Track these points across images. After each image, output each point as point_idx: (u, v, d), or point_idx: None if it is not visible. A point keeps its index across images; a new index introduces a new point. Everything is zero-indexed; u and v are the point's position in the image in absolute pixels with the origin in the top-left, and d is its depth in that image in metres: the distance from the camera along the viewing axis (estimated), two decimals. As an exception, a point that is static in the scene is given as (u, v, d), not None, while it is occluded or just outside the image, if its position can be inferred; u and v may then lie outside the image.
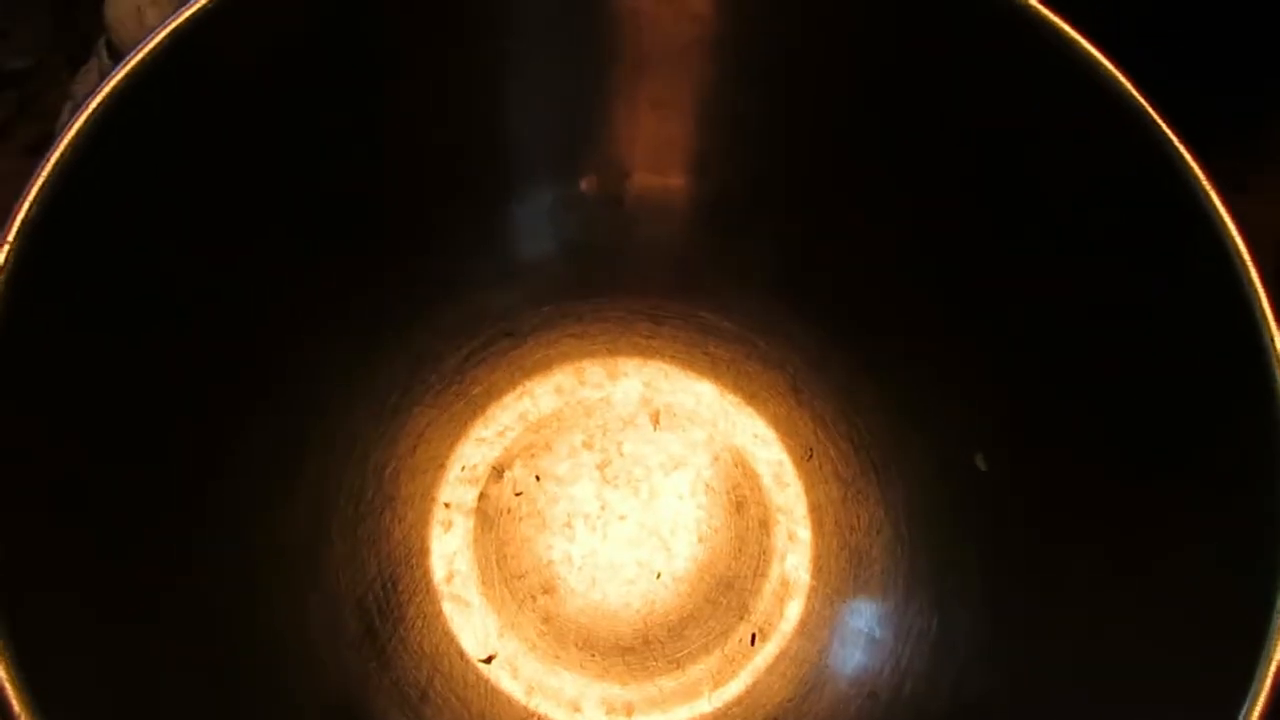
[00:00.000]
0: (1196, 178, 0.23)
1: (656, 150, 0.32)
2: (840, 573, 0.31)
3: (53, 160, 0.22)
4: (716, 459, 0.33)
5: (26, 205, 0.22)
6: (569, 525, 0.32)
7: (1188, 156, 0.24)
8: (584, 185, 0.32)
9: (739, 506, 0.33)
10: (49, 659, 0.20)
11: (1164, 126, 0.24)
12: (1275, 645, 0.20)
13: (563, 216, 0.33)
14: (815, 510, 0.33)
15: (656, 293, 0.35)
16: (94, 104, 0.23)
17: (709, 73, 0.29)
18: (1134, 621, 0.24)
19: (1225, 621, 0.22)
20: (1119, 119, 0.24)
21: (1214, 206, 0.23)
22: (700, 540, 0.32)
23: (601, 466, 0.33)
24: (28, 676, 0.19)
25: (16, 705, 0.19)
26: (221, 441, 0.29)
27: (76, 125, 0.23)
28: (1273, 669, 0.20)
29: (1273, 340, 0.23)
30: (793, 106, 0.29)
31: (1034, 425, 0.29)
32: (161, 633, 0.25)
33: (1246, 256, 0.23)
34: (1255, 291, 0.23)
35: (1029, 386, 0.29)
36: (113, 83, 0.23)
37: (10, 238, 0.22)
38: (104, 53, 0.35)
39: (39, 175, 0.22)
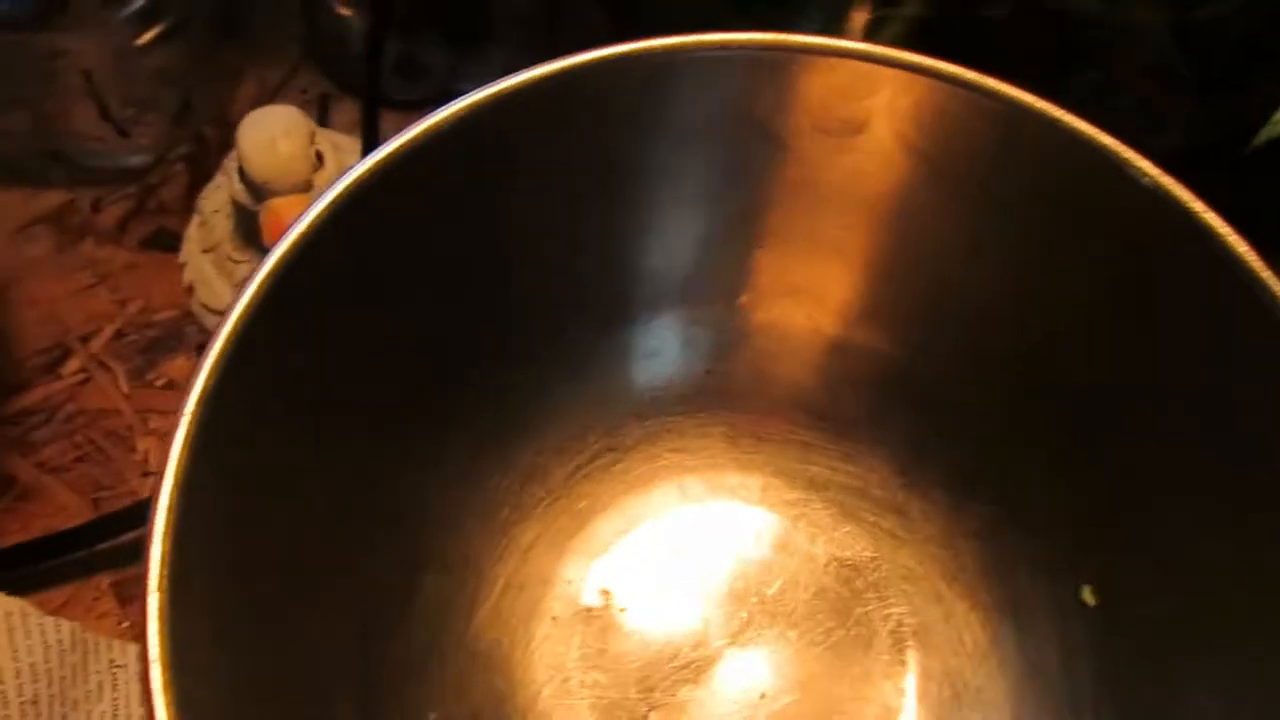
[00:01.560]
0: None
1: (779, 280, 0.33)
2: (944, 700, 0.32)
3: (212, 355, 0.24)
4: (817, 578, 0.34)
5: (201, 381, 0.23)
6: (673, 641, 0.33)
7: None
8: (702, 309, 0.33)
9: (840, 625, 0.33)
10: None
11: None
12: None
13: (675, 338, 0.34)
14: (917, 633, 0.33)
15: (758, 411, 0.35)
16: (242, 304, 0.24)
17: (894, 223, 0.30)
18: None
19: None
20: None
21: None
22: (802, 661, 0.33)
23: (703, 582, 0.34)
24: None
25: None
26: (347, 561, 0.30)
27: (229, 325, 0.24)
28: None
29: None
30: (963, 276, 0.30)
31: (1142, 566, 0.29)
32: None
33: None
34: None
35: (1139, 534, 0.29)
36: (261, 277, 0.24)
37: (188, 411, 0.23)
38: (235, 176, 0.36)
39: (206, 359, 0.24)
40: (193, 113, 0.49)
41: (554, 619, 0.33)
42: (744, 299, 0.34)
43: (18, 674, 0.38)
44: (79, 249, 0.49)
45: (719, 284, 0.33)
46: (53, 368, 0.47)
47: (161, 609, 0.22)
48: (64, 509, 0.43)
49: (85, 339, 0.47)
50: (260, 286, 0.24)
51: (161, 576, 0.22)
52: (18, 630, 0.39)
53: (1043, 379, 0.30)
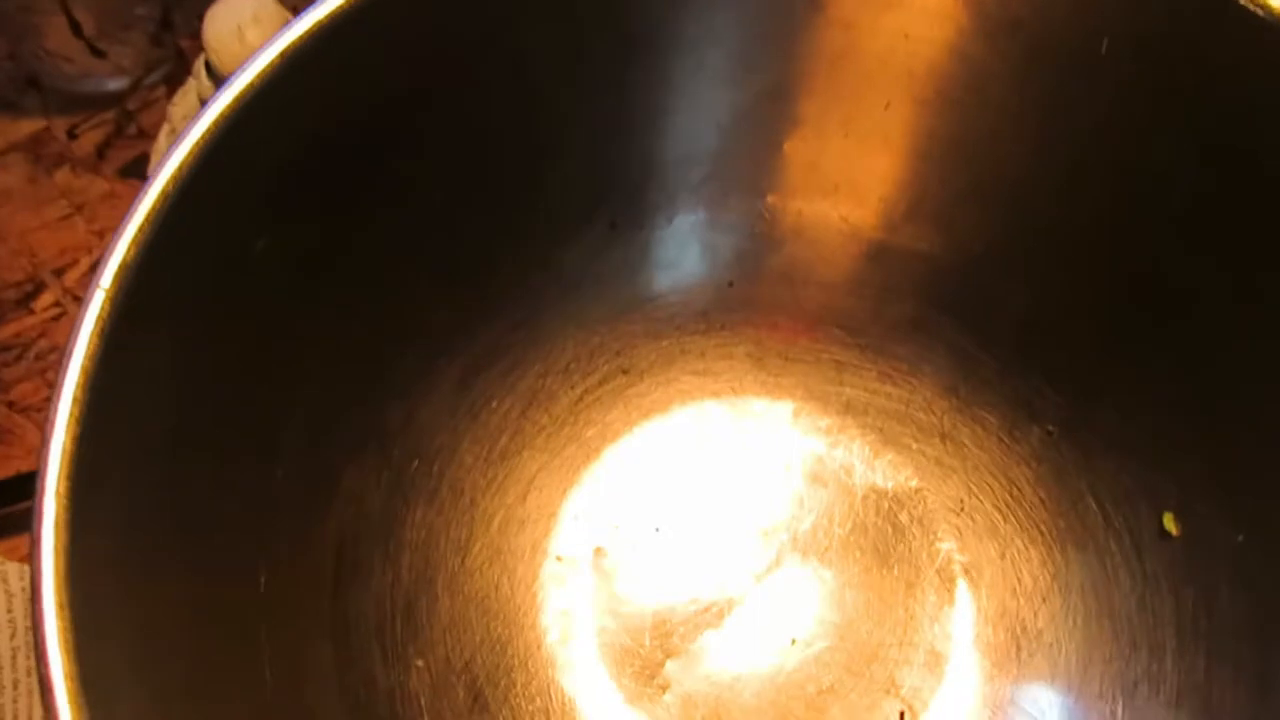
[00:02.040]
0: None
1: (811, 175, 0.29)
2: (1000, 645, 0.28)
3: (150, 196, 0.20)
4: (855, 511, 0.30)
5: (123, 246, 0.20)
6: (692, 582, 0.29)
7: None
8: (726, 211, 0.29)
9: (881, 564, 0.30)
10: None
11: None
12: None
13: (695, 244, 0.30)
14: (969, 571, 0.29)
15: (787, 328, 0.32)
16: (193, 137, 0.21)
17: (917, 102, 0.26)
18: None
19: None
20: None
21: None
22: (838, 602, 0.29)
23: (726, 517, 0.30)
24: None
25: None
26: (319, 491, 0.26)
27: (175, 160, 0.21)
28: None
29: None
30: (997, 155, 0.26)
31: (1232, 485, 0.25)
32: (256, 696, 0.23)
33: None
34: None
35: (1229, 445, 0.25)
36: (212, 117, 0.21)
37: (106, 284, 0.20)
38: (203, 74, 0.33)
39: (134, 214, 0.20)
40: (172, 30, 0.46)
41: (559, 558, 0.30)
42: (771, 198, 0.30)
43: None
44: (54, 178, 0.46)
45: (744, 180, 0.29)
46: (25, 302, 0.44)
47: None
48: (35, 450, 0.40)
49: (59, 272, 0.44)
50: (206, 137, 0.20)
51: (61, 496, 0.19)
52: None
53: (1115, 272, 0.26)
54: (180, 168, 0.21)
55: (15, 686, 0.36)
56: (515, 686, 0.28)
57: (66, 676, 0.18)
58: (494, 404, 0.30)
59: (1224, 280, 0.24)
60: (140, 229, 0.20)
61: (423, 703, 0.27)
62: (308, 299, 0.25)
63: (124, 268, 0.20)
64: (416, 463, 0.29)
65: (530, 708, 0.28)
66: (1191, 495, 0.26)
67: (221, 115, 0.21)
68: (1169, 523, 0.26)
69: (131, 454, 0.21)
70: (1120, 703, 0.25)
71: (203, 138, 0.21)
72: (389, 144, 0.24)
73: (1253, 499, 0.25)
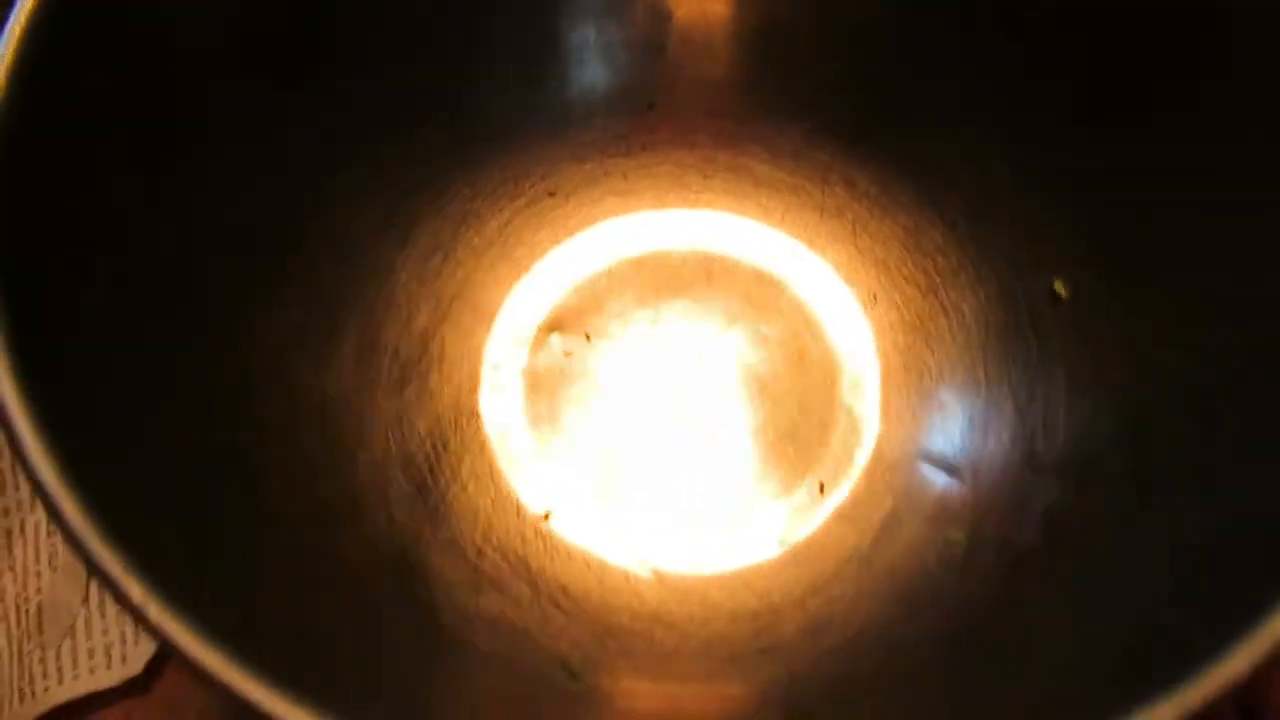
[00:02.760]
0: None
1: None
2: (912, 418, 0.30)
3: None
4: (775, 310, 0.32)
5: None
6: (623, 384, 0.31)
7: None
8: (628, 26, 0.31)
9: (801, 357, 0.31)
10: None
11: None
12: None
13: (605, 60, 0.31)
14: (883, 356, 0.31)
15: (705, 145, 0.33)
16: None
17: None
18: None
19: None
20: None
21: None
22: (762, 393, 0.31)
23: (655, 324, 0.32)
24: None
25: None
26: (256, 301, 0.28)
27: None
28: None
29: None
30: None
31: (1112, 254, 0.27)
32: (205, 477, 0.24)
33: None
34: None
35: (1110, 211, 0.27)
36: None
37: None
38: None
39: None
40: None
41: (495, 367, 0.31)
42: (680, 12, 0.31)
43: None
44: None
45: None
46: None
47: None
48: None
49: None
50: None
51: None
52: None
53: (1014, 46, 0.27)
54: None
55: None
56: (458, 479, 0.29)
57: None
58: (425, 226, 0.31)
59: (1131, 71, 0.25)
60: None
61: (367, 492, 0.28)
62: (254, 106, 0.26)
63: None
64: (350, 281, 0.30)
65: (470, 497, 0.29)
66: (1076, 265, 0.28)
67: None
68: (1059, 288, 0.28)
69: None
70: (1018, 450, 0.27)
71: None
72: None
73: (1124, 266, 0.27)
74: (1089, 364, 0.27)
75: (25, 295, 0.21)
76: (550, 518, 0.29)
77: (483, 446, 0.30)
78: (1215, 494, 0.22)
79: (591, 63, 0.32)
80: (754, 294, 0.32)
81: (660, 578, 0.28)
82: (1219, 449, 0.22)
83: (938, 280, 0.31)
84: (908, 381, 0.30)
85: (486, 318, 0.32)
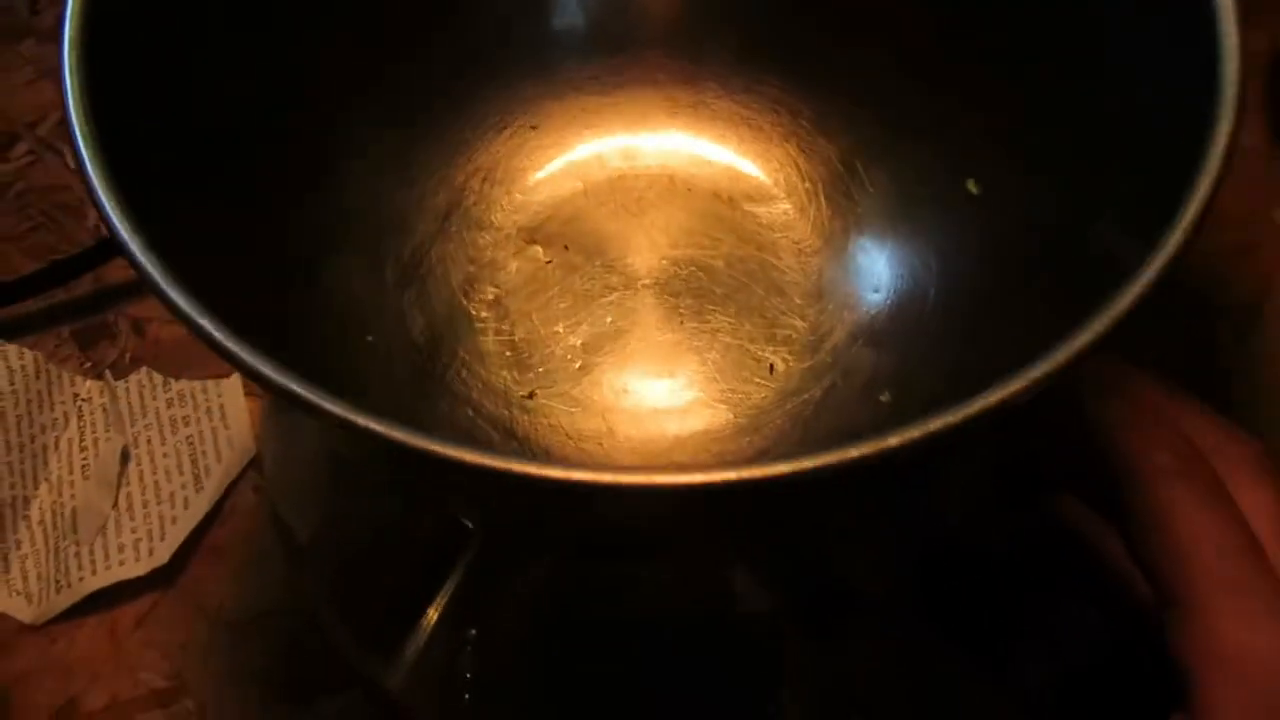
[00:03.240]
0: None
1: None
2: (849, 309, 0.34)
3: None
4: (729, 221, 0.36)
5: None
6: (595, 287, 0.35)
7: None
8: None
9: (751, 260, 0.36)
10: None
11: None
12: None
13: (581, 10, 0.36)
14: (821, 255, 0.35)
15: (667, 84, 0.38)
16: None
17: None
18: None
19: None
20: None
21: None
22: (721, 292, 0.35)
23: (624, 235, 0.36)
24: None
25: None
26: (290, 206, 0.32)
27: None
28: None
29: None
30: None
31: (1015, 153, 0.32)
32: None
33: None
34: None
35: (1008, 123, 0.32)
36: None
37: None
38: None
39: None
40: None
41: (484, 265, 0.36)
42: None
43: (-16, 391, 0.40)
44: (19, 49, 0.51)
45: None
46: (1, 152, 0.48)
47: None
48: (19, 272, 0.45)
49: (32, 125, 0.49)
50: None
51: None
52: (-19, 353, 0.41)
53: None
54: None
55: (21, 449, 0.41)
56: (452, 367, 0.34)
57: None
58: (423, 150, 0.36)
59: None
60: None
61: (370, 374, 0.32)
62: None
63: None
64: (361, 194, 0.34)
65: (460, 384, 0.33)
66: (989, 163, 0.32)
67: None
68: (971, 186, 0.33)
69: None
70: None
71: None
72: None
73: (1038, 166, 0.31)
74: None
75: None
76: (534, 396, 0.34)
77: (474, 340, 0.35)
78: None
79: (569, 12, 0.37)
80: (711, 208, 0.36)
81: (629, 442, 0.33)
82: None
83: (868, 190, 0.35)
84: (844, 278, 0.35)
85: (477, 230, 0.36)
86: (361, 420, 0.19)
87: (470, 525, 0.29)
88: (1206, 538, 0.25)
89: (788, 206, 0.36)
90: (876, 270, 0.34)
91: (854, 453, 0.19)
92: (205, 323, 0.20)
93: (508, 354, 0.34)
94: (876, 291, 0.34)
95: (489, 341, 0.34)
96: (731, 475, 0.18)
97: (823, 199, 0.36)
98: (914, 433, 0.20)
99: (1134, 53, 0.27)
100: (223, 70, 0.29)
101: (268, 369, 0.20)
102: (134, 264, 0.22)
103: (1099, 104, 0.28)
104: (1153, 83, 0.26)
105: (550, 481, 0.18)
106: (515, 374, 0.34)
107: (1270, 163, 0.48)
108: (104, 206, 0.22)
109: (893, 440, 0.19)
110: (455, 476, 0.22)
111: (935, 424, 0.20)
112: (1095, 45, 0.28)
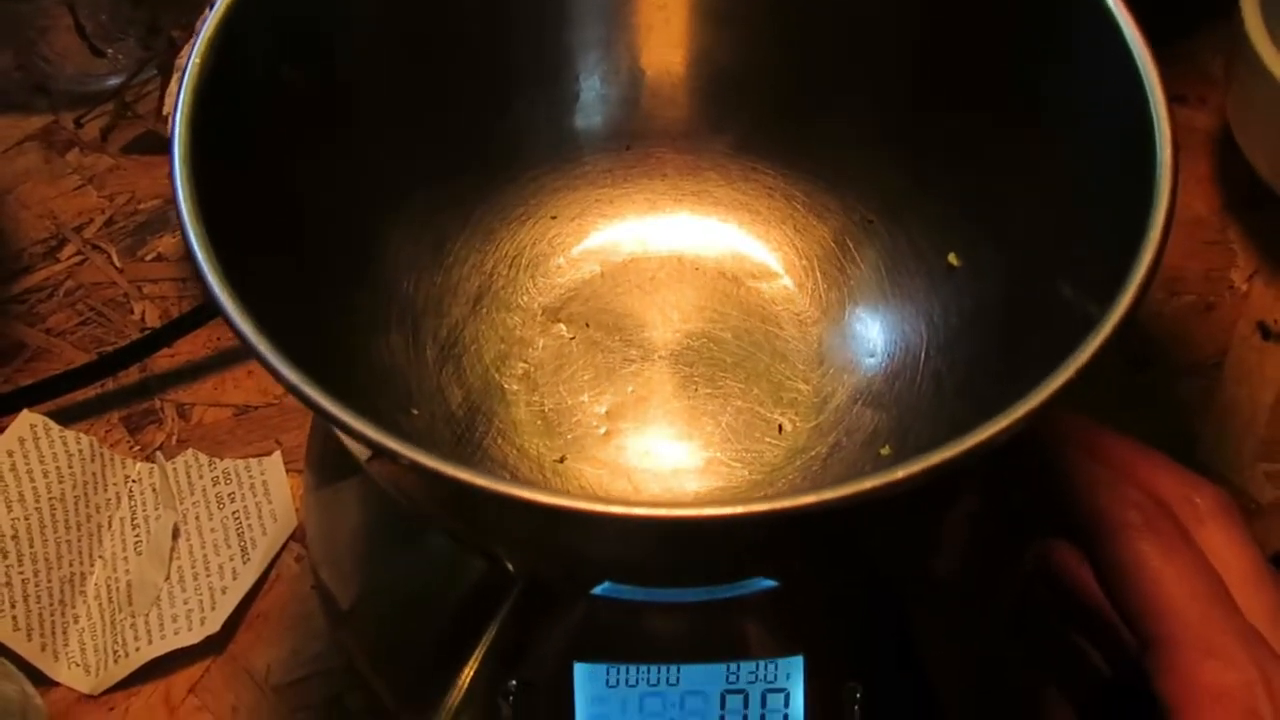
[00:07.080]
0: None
1: (663, 46, 0.39)
2: (849, 371, 0.38)
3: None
4: (735, 297, 0.40)
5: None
6: (617, 360, 0.39)
7: None
8: (612, 85, 0.40)
9: (758, 333, 0.39)
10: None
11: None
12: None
13: (595, 112, 0.40)
14: (821, 327, 0.39)
15: (673, 175, 0.42)
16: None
17: None
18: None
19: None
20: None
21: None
22: (730, 362, 0.38)
23: (640, 312, 0.40)
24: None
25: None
26: (342, 297, 0.35)
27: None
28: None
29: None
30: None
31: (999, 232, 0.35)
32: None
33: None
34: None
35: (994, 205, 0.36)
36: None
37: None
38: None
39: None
40: (160, 33, 0.55)
41: (514, 349, 0.39)
42: (650, 73, 0.40)
43: (45, 474, 0.43)
44: (66, 158, 0.55)
45: (625, 56, 0.40)
46: (51, 254, 0.52)
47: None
48: (72, 363, 0.48)
49: (79, 229, 0.53)
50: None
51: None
52: (42, 439, 0.44)
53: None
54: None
55: (79, 528, 0.43)
56: (488, 435, 0.37)
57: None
58: (455, 240, 0.39)
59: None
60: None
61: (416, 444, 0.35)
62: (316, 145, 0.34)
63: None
64: (401, 282, 0.38)
65: (498, 452, 0.37)
66: (966, 239, 0.36)
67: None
68: (953, 259, 0.36)
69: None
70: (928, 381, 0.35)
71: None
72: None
73: (1010, 241, 0.35)
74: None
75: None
76: (564, 460, 0.37)
77: (507, 410, 0.38)
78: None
79: (584, 115, 0.41)
80: (718, 285, 0.40)
81: (655, 499, 0.36)
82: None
83: (860, 265, 0.39)
84: (842, 344, 0.38)
85: (506, 311, 0.39)
86: (442, 467, 0.23)
87: (511, 569, 0.32)
88: (1175, 585, 0.28)
89: (787, 282, 0.40)
90: (871, 337, 0.38)
91: (867, 484, 0.22)
92: (311, 391, 0.24)
93: (539, 423, 0.38)
94: (872, 356, 0.37)
95: (521, 411, 0.38)
96: (786, 504, 0.22)
97: (819, 274, 0.40)
98: (914, 467, 0.23)
99: (1084, 155, 0.31)
100: (300, 184, 0.33)
101: (370, 430, 0.23)
102: (254, 352, 0.25)
103: (1057, 190, 0.32)
104: (1103, 178, 0.30)
105: (613, 518, 0.21)
106: (546, 441, 0.37)
107: (1224, 229, 0.52)
108: (225, 310, 0.25)
109: (899, 473, 0.23)
110: (512, 515, 0.25)
111: (935, 458, 0.23)
112: (1051, 151, 0.32)
